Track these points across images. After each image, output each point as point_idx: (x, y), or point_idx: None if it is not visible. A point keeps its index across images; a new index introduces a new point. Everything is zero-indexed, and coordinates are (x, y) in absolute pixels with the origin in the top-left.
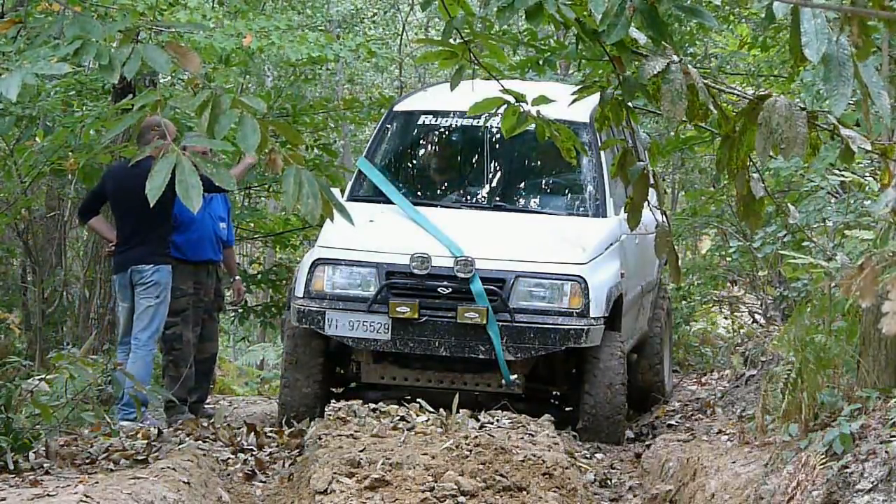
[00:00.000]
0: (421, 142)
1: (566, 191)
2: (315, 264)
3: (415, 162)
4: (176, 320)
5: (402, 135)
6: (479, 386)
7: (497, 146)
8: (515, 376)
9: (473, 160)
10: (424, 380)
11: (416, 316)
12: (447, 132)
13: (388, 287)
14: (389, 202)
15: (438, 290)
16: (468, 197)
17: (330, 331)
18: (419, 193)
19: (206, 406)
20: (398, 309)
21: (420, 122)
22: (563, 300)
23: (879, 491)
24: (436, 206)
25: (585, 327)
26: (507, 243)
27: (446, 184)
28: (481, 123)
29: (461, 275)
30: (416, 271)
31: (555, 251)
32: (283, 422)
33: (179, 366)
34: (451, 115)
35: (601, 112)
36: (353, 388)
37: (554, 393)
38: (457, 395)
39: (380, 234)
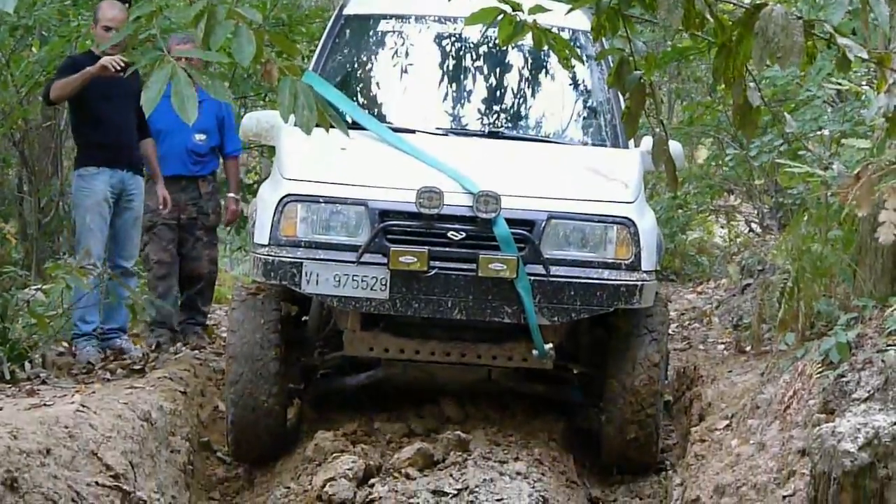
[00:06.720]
0: (384, 54)
1: (575, 113)
2: (283, 202)
3: (378, 79)
4: (145, 239)
5: (357, 45)
6: (498, 359)
7: (484, 58)
8: (550, 346)
9: (456, 77)
10: (426, 352)
11: (424, 268)
12: (419, 40)
13: (384, 231)
14: (356, 127)
15: (449, 234)
16: (455, 122)
17: (309, 288)
18: (389, 118)
19: (192, 324)
20: (401, 259)
21: (380, 28)
22: (609, 248)
23: (876, 400)
24: (415, 132)
25: (638, 283)
26: (530, 176)
27: (424, 106)
28: (461, 30)
29: (482, 215)
30: (424, 210)
31: (593, 186)
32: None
33: (152, 287)
34: (422, 19)
35: (597, 21)
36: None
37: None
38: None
39: (364, 163)
